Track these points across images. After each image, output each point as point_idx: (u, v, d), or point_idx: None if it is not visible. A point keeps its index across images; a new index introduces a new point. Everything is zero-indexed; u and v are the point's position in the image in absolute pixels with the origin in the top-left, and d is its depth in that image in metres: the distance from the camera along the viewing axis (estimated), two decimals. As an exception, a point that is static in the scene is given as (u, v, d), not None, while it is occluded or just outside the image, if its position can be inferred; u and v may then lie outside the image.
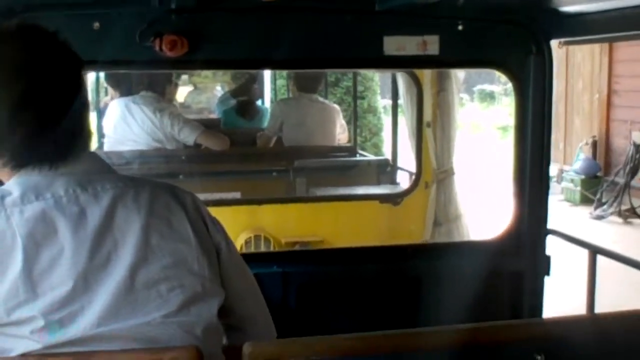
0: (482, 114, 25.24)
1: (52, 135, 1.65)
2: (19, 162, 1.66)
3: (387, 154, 6.34)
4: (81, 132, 1.74)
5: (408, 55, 3.13)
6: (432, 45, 3.14)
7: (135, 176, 1.86)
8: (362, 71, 10.84)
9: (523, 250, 3.34)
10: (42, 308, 1.55)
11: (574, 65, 13.86)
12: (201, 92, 12.87)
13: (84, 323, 1.57)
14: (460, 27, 3.16)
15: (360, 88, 12.04)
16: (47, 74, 1.65)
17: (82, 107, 1.73)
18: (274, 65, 3.32)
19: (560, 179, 13.23)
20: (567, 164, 13.68)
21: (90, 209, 1.65)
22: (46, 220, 1.60)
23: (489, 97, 26.98)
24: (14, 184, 1.65)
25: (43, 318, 1.54)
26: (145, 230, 1.68)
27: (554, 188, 11.88)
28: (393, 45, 3.11)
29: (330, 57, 3.15)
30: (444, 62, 3.37)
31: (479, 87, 26.75)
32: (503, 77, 3.46)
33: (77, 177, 1.68)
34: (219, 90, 12.12)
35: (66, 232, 1.60)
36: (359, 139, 9.33)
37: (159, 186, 1.83)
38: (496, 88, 26.19)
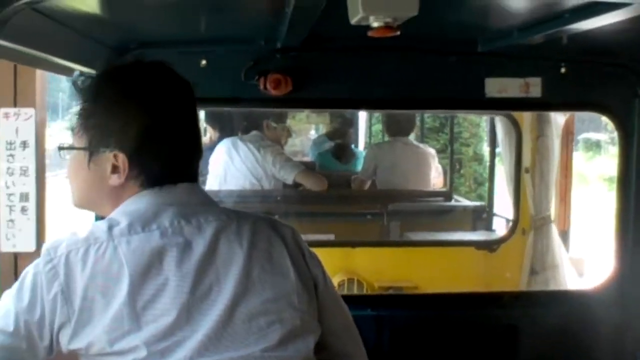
0: (588, 164, 24.11)
1: (184, 161, 1.78)
2: (154, 181, 1.74)
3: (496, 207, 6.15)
4: (194, 163, 1.83)
5: (510, 97, 3.09)
6: (534, 87, 3.10)
7: (237, 209, 1.88)
8: (468, 116, 10.58)
9: (626, 302, 3.21)
10: (145, 338, 1.56)
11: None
12: (295, 135, 13.03)
13: (185, 354, 1.57)
14: (563, 69, 3.10)
15: (465, 134, 11.56)
16: (170, 106, 1.77)
17: (196, 140, 1.85)
18: (376, 105, 3.33)
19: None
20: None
21: (194, 240, 1.67)
22: (152, 251, 1.63)
23: (595, 146, 25.78)
24: (121, 214, 1.70)
25: (146, 348, 1.56)
26: (247, 263, 1.69)
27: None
28: (495, 87, 3.07)
29: (432, 98, 3.14)
30: (546, 104, 3.31)
31: (583, 135, 25.40)
32: (610, 125, 3.34)
33: (182, 208, 1.72)
34: (312, 134, 12.24)
35: (171, 263, 1.63)
36: (462, 188, 9.10)
37: (260, 219, 1.84)
38: (602, 136, 24.95)
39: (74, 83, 1.83)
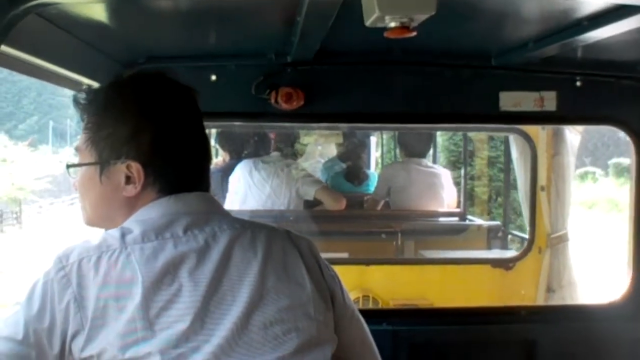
0: (619, 190, 23.50)
1: (196, 168, 1.79)
2: (168, 190, 1.73)
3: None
4: (205, 170, 1.83)
5: (524, 111, 3.07)
6: (549, 101, 3.08)
7: (251, 220, 1.87)
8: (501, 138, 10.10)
9: None
10: (159, 345, 1.54)
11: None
12: (304, 159, 12.98)
13: None
14: (578, 83, 3.09)
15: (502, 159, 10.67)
16: (177, 112, 1.77)
17: (206, 150, 1.84)
18: (389, 119, 3.31)
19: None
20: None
21: (208, 249, 1.66)
22: (166, 259, 1.61)
23: (627, 171, 25.34)
24: (134, 223, 1.68)
25: (160, 355, 1.53)
26: (262, 272, 1.67)
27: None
28: (509, 101, 3.06)
29: (445, 112, 3.13)
30: (561, 118, 3.29)
31: (614, 160, 24.93)
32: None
33: (196, 217, 1.71)
34: (319, 161, 12.20)
35: (185, 271, 1.61)
36: (499, 218, 8.74)
37: (274, 230, 1.83)
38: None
39: (75, 99, 1.81)
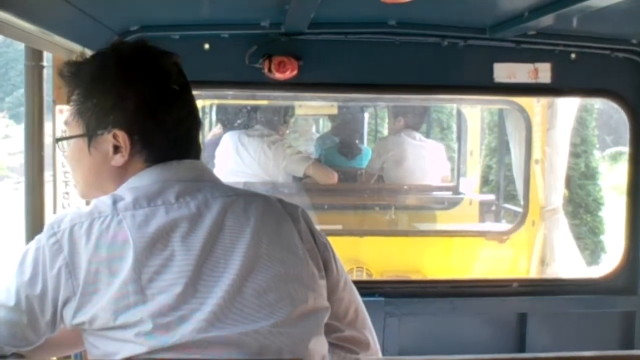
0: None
1: (185, 135, 1.77)
2: (157, 158, 1.72)
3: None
4: (194, 137, 1.81)
5: (518, 83, 3.07)
6: (543, 73, 3.08)
7: (243, 188, 1.87)
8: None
9: (634, 289, 3.20)
10: (150, 311, 1.54)
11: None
12: (299, 135, 12.92)
13: (191, 327, 1.54)
14: (573, 55, 3.08)
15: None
16: (162, 78, 1.74)
17: (195, 117, 1.82)
18: (381, 90, 3.31)
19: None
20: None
21: (201, 215, 1.65)
22: (157, 225, 1.60)
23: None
24: (126, 190, 1.68)
25: (151, 321, 1.53)
26: (255, 239, 1.66)
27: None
28: (503, 72, 3.05)
29: (439, 84, 3.12)
30: (555, 90, 3.29)
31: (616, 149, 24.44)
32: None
33: (188, 184, 1.70)
34: (314, 134, 12.14)
35: (177, 237, 1.60)
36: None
37: (267, 197, 1.82)
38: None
39: (60, 72, 1.80)
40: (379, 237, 5.36)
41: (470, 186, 6.73)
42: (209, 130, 7.71)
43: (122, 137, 1.70)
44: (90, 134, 1.72)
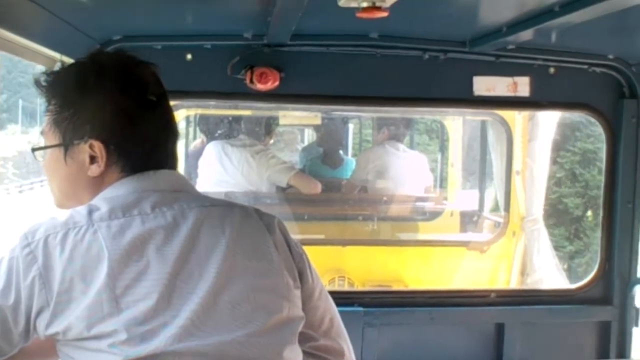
0: None
1: (161, 145, 1.77)
2: (134, 168, 1.72)
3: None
4: (171, 147, 1.81)
5: (498, 96, 3.11)
6: (522, 86, 3.12)
7: (220, 198, 1.88)
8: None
9: (610, 300, 3.24)
10: (125, 322, 1.54)
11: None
12: (284, 146, 12.89)
13: (166, 338, 1.55)
14: (551, 70, 3.12)
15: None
16: (139, 88, 1.74)
17: (172, 127, 1.82)
18: (362, 102, 3.34)
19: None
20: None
21: (176, 226, 1.66)
22: (133, 236, 1.61)
23: None
24: (102, 201, 1.68)
25: (126, 332, 1.54)
26: (230, 250, 1.67)
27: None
28: (483, 85, 3.09)
29: (420, 97, 3.15)
30: (534, 104, 3.33)
31: None
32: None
33: (164, 194, 1.71)
34: (300, 144, 12.11)
35: (152, 248, 1.61)
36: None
37: (243, 207, 1.83)
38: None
39: (37, 82, 1.79)
40: (361, 247, 5.38)
41: (468, 200, 6.74)
42: (194, 139, 7.72)
43: (99, 147, 1.70)
44: (67, 144, 1.72)
